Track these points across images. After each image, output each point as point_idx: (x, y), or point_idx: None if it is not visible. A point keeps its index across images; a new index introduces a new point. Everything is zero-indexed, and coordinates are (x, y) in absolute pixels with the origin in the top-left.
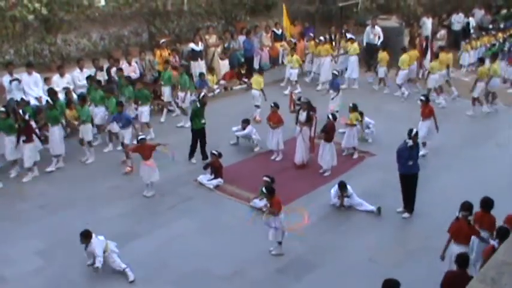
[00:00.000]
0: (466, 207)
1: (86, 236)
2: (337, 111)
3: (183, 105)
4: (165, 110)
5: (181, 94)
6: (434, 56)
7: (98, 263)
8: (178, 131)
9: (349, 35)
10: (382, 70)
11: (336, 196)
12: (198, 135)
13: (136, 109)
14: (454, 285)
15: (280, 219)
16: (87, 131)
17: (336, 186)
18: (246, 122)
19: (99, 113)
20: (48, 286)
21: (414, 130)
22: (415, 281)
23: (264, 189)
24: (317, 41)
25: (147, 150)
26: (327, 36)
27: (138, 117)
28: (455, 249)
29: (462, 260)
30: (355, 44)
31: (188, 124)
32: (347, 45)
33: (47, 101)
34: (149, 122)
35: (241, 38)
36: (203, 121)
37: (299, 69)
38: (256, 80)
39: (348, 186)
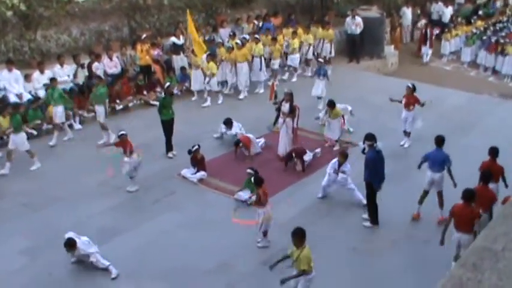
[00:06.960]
0: None
1: (70, 246)
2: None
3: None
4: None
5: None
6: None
7: (95, 258)
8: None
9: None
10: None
11: (332, 168)
12: (167, 126)
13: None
14: None
15: (267, 209)
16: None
17: (335, 159)
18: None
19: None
20: (33, 285)
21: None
22: (398, 269)
23: (252, 179)
24: (239, 42)
25: (127, 146)
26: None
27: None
28: None
29: None
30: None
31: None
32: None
33: (7, 105)
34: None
35: (222, 31)
36: (171, 111)
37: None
38: (209, 66)
39: (348, 165)
